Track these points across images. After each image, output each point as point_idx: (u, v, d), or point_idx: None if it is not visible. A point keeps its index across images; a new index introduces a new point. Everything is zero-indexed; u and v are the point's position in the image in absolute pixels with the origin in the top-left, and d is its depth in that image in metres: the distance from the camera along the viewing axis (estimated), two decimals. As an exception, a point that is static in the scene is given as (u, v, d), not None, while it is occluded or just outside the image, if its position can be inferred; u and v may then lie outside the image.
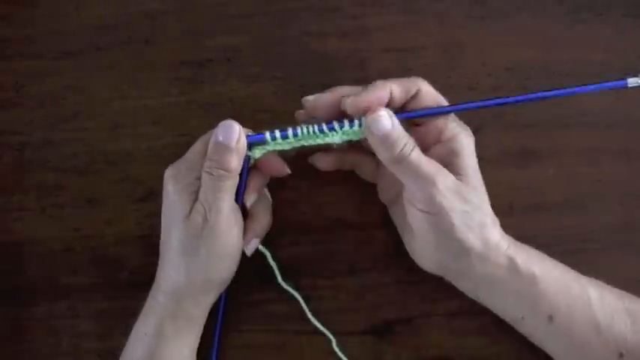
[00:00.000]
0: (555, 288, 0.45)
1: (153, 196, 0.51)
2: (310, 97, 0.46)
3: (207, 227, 0.44)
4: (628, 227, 0.51)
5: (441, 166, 0.44)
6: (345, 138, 0.45)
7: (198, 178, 0.45)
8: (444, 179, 0.43)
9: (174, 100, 0.52)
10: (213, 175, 0.44)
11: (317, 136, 0.45)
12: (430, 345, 0.50)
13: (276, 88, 0.52)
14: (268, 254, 0.49)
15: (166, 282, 0.46)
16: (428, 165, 0.43)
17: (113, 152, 0.52)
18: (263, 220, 0.48)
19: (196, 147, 0.46)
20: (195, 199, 0.45)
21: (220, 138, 0.44)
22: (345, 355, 0.50)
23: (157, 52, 0.52)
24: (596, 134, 0.51)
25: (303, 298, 0.50)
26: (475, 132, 0.51)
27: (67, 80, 0.53)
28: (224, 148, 0.44)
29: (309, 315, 0.50)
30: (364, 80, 0.51)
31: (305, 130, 0.45)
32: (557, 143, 0.51)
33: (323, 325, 0.50)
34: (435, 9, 0.52)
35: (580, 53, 0.52)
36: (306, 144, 0.45)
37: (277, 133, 0.45)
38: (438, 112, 0.45)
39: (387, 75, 0.51)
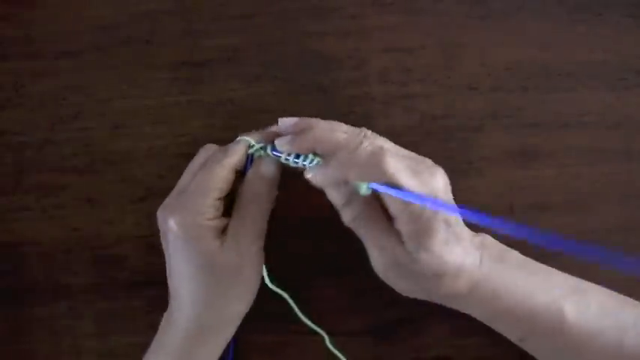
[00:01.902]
0: (522, 315, 0.44)
1: (153, 196, 0.51)
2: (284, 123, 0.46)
3: (237, 274, 0.44)
4: (628, 227, 0.51)
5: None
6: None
7: (210, 219, 0.43)
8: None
9: (174, 100, 0.52)
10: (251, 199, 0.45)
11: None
12: (430, 345, 0.50)
13: (276, 88, 0.52)
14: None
15: (178, 321, 0.45)
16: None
17: (113, 152, 0.52)
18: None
19: (195, 187, 0.44)
20: (213, 239, 0.43)
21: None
22: (345, 355, 0.50)
23: (157, 52, 0.52)
24: (596, 134, 0.51)
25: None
26: (475, 132, 0.51)
27: (67, 80, 0.53)
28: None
29: (299, 314, 0.49)
30: (364, 80, 0.52)
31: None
32: (557, 143, 0.51)
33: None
34: (435, 9, 0.52)
35: (580, 53, 0.51)
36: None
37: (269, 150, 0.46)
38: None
39: (387, 74, 0.52)
